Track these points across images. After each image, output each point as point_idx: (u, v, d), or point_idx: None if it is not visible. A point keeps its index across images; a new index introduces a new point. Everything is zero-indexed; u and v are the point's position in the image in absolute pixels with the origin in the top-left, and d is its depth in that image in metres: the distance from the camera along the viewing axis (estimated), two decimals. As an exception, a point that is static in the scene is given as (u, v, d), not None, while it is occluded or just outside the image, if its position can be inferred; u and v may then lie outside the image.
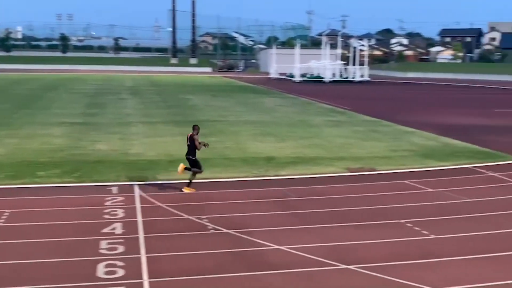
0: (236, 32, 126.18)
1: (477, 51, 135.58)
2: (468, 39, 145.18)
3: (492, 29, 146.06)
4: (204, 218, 12.37)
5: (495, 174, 17.60)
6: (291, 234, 11.52)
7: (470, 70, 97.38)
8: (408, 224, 12.23)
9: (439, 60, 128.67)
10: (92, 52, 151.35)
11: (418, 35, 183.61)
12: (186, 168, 14.51)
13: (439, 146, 22.79)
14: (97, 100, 39.18)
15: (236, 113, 33.14)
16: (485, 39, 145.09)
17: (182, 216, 12.57)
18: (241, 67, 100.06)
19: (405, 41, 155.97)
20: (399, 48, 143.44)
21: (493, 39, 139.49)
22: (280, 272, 9.55)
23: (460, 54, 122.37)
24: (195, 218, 12.41)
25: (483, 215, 13.19)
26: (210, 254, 10.32)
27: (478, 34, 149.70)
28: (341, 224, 12.23)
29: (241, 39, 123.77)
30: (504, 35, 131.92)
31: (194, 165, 14.45)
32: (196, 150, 14.42)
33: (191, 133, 14.54)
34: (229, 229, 11.65)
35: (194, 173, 14.51)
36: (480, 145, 22.97)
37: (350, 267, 9.78)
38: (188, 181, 14.61)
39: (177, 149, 19.15)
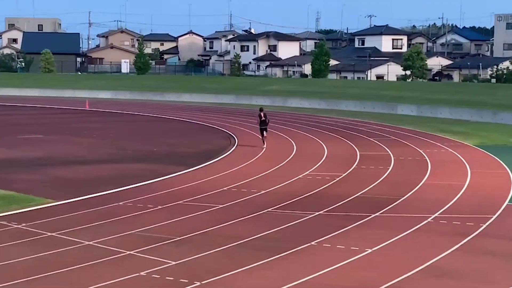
0: None
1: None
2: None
3: (12, 26, 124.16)
4: None
5: (21, 226, 14.55)
6: None
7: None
8: None
9: None
10: None
11: None
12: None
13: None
14: None
15: None
16: (4, 41, 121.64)
17: None
18: None
19: None
20: None
21: (15, 40, 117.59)
22: None
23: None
24: None
25: (8, 284, 10.60)
26: None
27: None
28: None
29: None
30: (27, 35, 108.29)
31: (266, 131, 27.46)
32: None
33: (263, 112, 27.05)
34: None
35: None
36: (2, 187, 19.21)
37: None
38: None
39: None
